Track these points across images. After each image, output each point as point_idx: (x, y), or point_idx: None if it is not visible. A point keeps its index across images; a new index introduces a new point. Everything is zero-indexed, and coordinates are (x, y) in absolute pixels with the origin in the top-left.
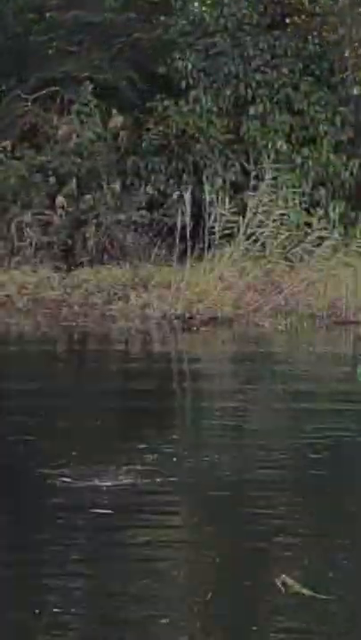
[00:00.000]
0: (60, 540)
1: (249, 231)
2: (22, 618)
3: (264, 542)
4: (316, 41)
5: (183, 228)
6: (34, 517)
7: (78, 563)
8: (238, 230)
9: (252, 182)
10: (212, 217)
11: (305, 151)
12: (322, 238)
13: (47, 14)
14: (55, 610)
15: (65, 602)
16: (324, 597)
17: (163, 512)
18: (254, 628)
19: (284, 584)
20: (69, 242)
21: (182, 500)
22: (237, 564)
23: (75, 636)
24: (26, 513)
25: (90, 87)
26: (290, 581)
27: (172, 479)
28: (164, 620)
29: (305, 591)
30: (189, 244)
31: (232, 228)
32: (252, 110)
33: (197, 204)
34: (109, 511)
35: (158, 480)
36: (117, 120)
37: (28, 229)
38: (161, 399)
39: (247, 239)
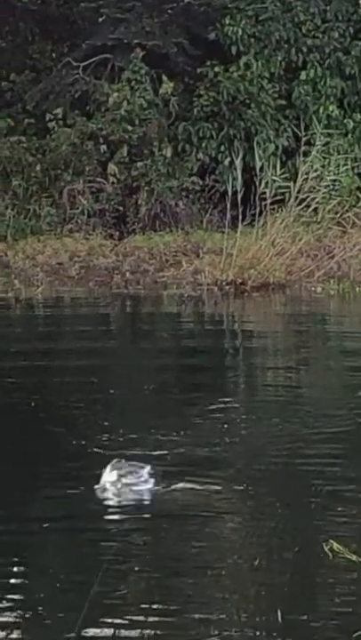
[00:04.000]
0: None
1: (301, 197)
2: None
3: (314, 508)
4: None
5: (235, 194)
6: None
7: (134, 531)
8: (290, 196)
9: (304, 148)
10: (264, 183)
11: (357, 116)
12: None
13: None
14: (110, 567)
15: (122, 563)
16: None
17: (211, 479)
18: (301, 592)
19: (331, 550)
20: (121, 209)
21: (233, 467)
22: (287, 531)
23: (132, 596)
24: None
25: (140, 54)
26: (338, 547)
27: (224, 446)
28: (214, 586)
29: (353, 557)
30: (241, 210)
31: (283, 193)
32: (303, 75)
33: (249, 170)
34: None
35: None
36: (168, 87)
37: (80, 197)
38: (215, 359)
39: (299, 205)
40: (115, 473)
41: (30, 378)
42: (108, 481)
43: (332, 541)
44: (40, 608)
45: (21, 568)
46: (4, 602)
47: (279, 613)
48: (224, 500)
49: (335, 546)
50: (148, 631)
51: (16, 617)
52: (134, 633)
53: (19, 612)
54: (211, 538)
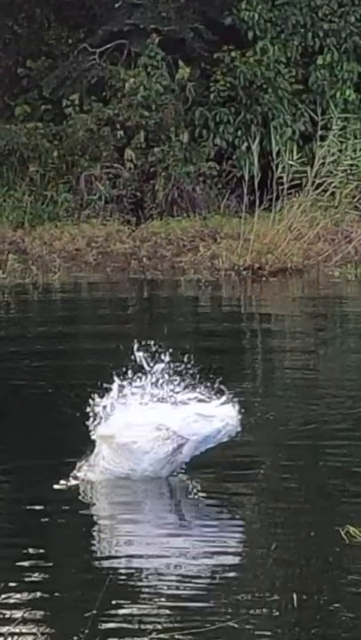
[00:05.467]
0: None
1: (318, 181)
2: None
3: (332, 492)
4: None
5: (252, 179)
6: None
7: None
8: (307, 180)
9: (321, 132)
10: (281, 167)
11: None
12: None
13: None
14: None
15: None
16: None
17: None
18: (317, 575)
19: (348, 534)
20: (138, 194)
21: (252, 450)
22: (304, 514)
23: (151, 576)
24: None
25: (157, 39)
26: (354, 531)
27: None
28: (230, 567)
29: None
30: (258, 194)
31: (301, 178)
32: (320, 60)
33: (266, 155)
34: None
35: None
36: (185, 72)
37: (97, 183)
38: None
39: (316, 189)
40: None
41: (48, 361)
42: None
43: (348, 525)
44: (58, 589)
45: (42, 550)
46: (24, 582)
47: (294, 596)
48: (242, 483)
49: (352, 530)
50: (164, 611)
51: (34, 597)
52: (150, 611)
53: (37, 592)
54: (229, 519)
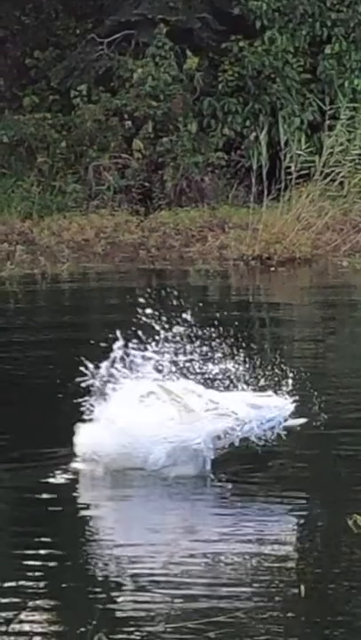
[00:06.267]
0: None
1: (326, 171)
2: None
3: (345, 481)
4: None
5: (260, 168)
6: None
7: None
8: (315, 170)
9: (329, 122)
10: (289, 157)
11: None
12: None
13: None
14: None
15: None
16: None
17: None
18: (324, 565)
19: (356, 523)
20: (147, 185)
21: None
22: (313, 503)
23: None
24: None
25: (164, 29)
26: None
27: None
28: (237, 557)
29: None
30: (266, 184)
31: (309, 167)
32: (328, 49)
33: (274, 145)
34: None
35: None
36: (193, 62)
37: (105, 173)
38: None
39: (324, 179)
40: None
41: (56, 351)
42: None
43: (356, 515)
44: (67, 578)
45: (50, 539)
46: (32, 570)
47: (302, 587)
48: (255, 472)
49: (359, 519)
50: (174, 600)
51: (43, 585)
52: (160, 599)
53: (45, 580)
54: (241, 507)
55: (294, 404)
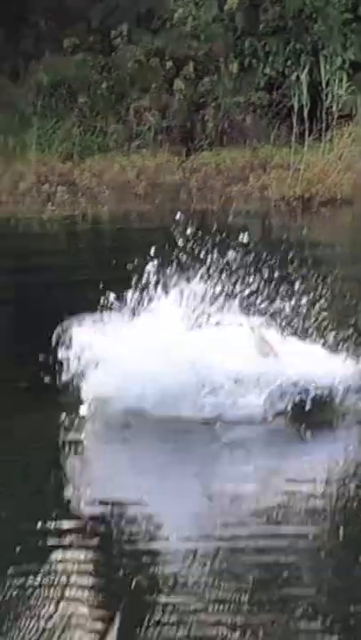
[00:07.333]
0: None
1: None
2: None
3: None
4: None
5: (301, 108)
6: None
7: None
8: (357, 110)
9: None
10: (331, 97)
11: None
12: None
13: None
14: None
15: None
16: None
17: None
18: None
19: None
20: (188, 125)
21: None
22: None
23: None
24: None
25: None
26: None
27: None
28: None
29: None
30: (308, 124)
31: (351, 107)
32: None
33: (315, 85)
34: None
35: None
36: (233, 2)
37: (146, 114)
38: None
39: None
40: None
41: (98, 293)
42: None
43: None
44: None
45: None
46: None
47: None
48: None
49: None
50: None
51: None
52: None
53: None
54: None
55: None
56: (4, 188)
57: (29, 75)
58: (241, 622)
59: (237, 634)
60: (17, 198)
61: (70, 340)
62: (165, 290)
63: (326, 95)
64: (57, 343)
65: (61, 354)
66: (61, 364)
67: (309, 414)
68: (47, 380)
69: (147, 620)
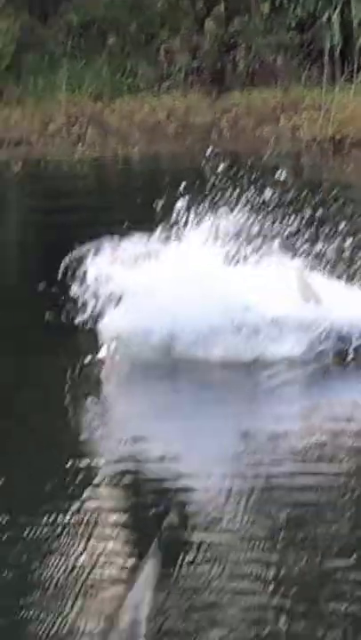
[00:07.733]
0: None
1: None
2: None
3: None
4: None
5: (333, 49)
6: None
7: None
8: None
9: None
10: None
11: None
12: None
13: None
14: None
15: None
16: None
17: None
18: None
19: None
20: (219, 66)
21: None
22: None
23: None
24: None
25: None
26: None
27: None
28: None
29: None
30: (339, 65)
31: None
32: None
33: (347, 25)
34: None
35: None
36: None
37: (177, 54)
38: None
39: None
40: None
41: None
42: None
43: None
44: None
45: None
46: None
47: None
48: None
49: None
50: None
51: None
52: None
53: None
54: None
55: None
56: (34, 129)
57: (59, 15)
58: (275, 560)
59: (271, 572)
60: (47, 140)
61: (85, 272)
62: (198, 222)
63: (358, 36)
64: (69, 275)
65: (75, 289)
66: (75, 301)
67: (351, 360)
68: (66, 319)
69: (180, 558)
